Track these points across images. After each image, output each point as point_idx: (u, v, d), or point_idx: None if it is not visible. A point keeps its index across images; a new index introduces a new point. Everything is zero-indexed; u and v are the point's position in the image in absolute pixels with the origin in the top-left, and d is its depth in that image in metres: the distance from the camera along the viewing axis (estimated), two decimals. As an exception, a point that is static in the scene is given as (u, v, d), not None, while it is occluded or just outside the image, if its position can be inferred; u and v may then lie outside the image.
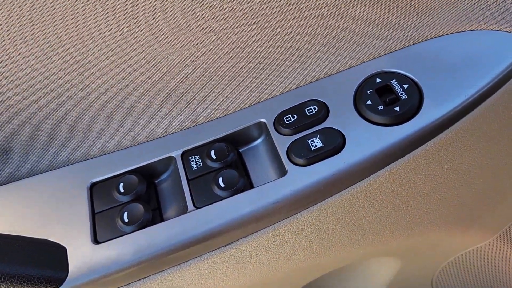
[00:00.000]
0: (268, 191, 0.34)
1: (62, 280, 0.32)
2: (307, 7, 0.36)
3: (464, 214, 0.45)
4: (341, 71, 0.39)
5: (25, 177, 0.38)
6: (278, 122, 0.37)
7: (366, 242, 0.41)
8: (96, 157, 0.38)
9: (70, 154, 0.38)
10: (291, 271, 0.41)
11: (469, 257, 0.54)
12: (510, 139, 0.41)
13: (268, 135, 0.37)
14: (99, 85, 0.36)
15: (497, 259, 0.55)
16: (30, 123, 0.36)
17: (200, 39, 0.36)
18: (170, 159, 0.37)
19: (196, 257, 0.35)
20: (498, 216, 0.50)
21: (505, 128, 0.39)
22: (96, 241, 0.34)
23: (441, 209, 0.42)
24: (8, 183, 0.38)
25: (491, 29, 0.38)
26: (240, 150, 0.39)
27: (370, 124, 0.35)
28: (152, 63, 0.36)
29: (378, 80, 0.37)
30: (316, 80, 0.39)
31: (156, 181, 0.38)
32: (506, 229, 0.52)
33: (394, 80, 0.37)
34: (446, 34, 0.38)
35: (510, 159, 0.43)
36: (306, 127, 0.36)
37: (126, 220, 0.34)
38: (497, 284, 0.60)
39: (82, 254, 0.33)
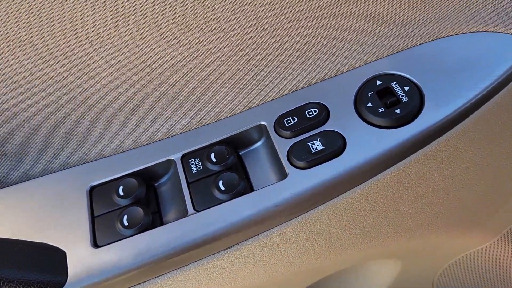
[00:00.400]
0: (268, 194, 0.34)
1: (61, 285, 0.32)
2: (307, 10, 0.36)
3: (465, 216, 0.45)
4: (342, 73, 0.39)
5: (24, 180, 0.38)
6: (279, 124, 0.37)
7: (367, 245, 0.41)
8: (96, 160, 0.38)
9: (69, 157, 0.38)
10: (291, 274, 0.40)
11: (470, 259, 0.54)
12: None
13: (269, 137, 0.37)
14: (99, 88, 0.36)
15: (498, 261, 0.55)
16: (29, 126, 0.36)
17: (200, 41, 0.36)
18: (170, 162, 0.37)
19: (196, 261, 0.35)
20: (499, 218, 0.49)
21: (506, 130, 0.39)
22: (95, 244, 0.34)
23: (442, 212, 0.42)
24: (7, 186, 0.37)
25: (492, 31, 0.37)
26: (240, 153, 0.39)
27: (370, 126, 0.35)
28: (151, 65, 0.36)
29: (378, 82, 0.37)
30: (316, 83, 0.39)
31: (156, 184, 0.38)
32: (507, 231, 0.51)
33: (395, 82, 0.37)
34: (447, 36, 0.38)
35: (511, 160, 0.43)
36: (307, 130, 0.36)
37: (125, 223, 0.34)
38: (498, 286, 0.60)
39: (82, 258, 0.33)
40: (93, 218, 0.35)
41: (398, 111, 0.35)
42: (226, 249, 0.35)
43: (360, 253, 0.42)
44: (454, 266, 0.55)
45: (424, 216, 0.41)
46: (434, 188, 0.39)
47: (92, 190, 0.37)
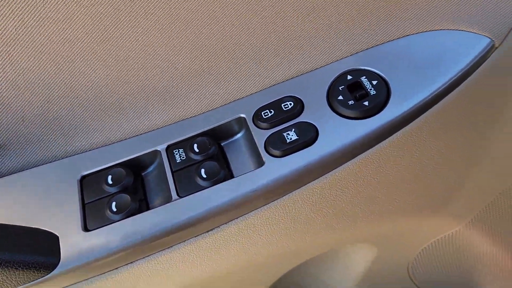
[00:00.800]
0: (246, 180, 0.36)
1: (54, 265, 0.34)
2: (283, 10, 0.39)
3: (432, 202, 0.48)
4: (316, 69, 0.41)
5: (19, 171, 0.40)
6: (257, 117, 0.39)
7: (340, 228, 0.43)
8: (86, 151, 0.40)
9: (61, 149, 0.40)
10: (270, 256, 0.43)
11: (442, 244, 0.57)
12: (473, 130, 0.43)
13: (248, 129, 0.39)
14: (88, 84, 0.38)
15: (468, 246, 0.58)
16: (23, 120, 0.38)
17: (182, 39, 0.38)
18: (156, 153, 0.39)
19: (180, 243, 0.37)
20: (466, 204, 0.52)
21: (467, 120, 0.41)
22: (86, 229, 0.36)
23: (410, 197, 0.44)
24: (3, 176, 0.39)
25: (453, 29, 0.40)
26: (222, 144, 0.41)
27: (341, 118, 0.37)
28: (137, 62, 0.38)
29: (349, 77, 0.39)
30: (292, 78, 0.41)
31: (142, 174, 0.40)
32: (474, 217, 0.54)
33: (364, 77, 0.39)
34: (412, 34, 0.41)
35: (474, 148, 0.45)
36: (283, 121, 0.38)
37: (114, 209, 0.36)
38: (469, 271, 0.63)
39: (73, 241, 0.35)
40: (83, 205, 0.37)
41: (366, 103, 0.37)
42: (208, 231, 0.37)
43: (334, 235, 0.44)
44: (426, 251, 0.57)
45: (393, 201, 0.44)
46: (401, 174, 0.41)
47: (83, 179, 0.39)
